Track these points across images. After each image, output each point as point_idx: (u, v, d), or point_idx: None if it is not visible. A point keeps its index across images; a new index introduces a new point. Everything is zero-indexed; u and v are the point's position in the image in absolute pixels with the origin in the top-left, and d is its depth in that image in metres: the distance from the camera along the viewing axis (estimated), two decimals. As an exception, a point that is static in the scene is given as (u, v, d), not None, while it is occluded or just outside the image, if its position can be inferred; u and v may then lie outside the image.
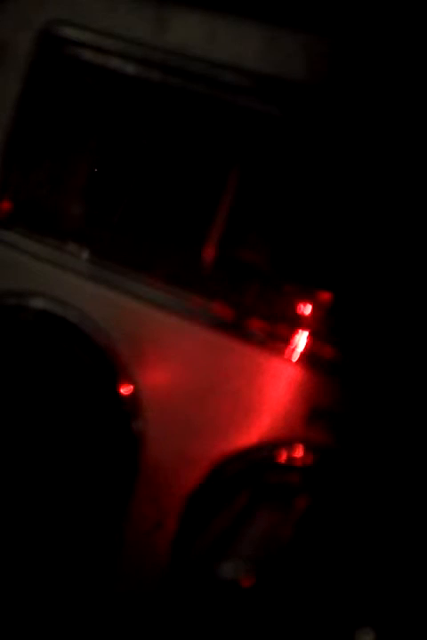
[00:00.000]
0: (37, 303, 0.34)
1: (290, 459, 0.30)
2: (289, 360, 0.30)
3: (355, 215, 0.31)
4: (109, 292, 0.33)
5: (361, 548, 0.27)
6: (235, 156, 0.33)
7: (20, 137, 0.35)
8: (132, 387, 0.32)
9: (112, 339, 0.33)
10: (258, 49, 0.31)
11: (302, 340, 0.31)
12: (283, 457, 0.30)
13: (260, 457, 0.30)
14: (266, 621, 0.24)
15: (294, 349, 0.30)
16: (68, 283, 0.34)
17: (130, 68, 0.34)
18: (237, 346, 0.31)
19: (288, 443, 0.30)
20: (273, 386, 0.30)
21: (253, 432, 0.30)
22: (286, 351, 0.30)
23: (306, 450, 0.30)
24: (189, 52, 0.32)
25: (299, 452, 0.30)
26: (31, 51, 0.35)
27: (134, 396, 0.32)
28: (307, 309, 0.31)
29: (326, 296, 0.31)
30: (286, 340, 0.31)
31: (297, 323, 0.31)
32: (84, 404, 0.32)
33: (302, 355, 0.30)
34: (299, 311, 0.32)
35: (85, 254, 0.34)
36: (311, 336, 0.31)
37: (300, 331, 0.31)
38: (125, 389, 0.32)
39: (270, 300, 0.32)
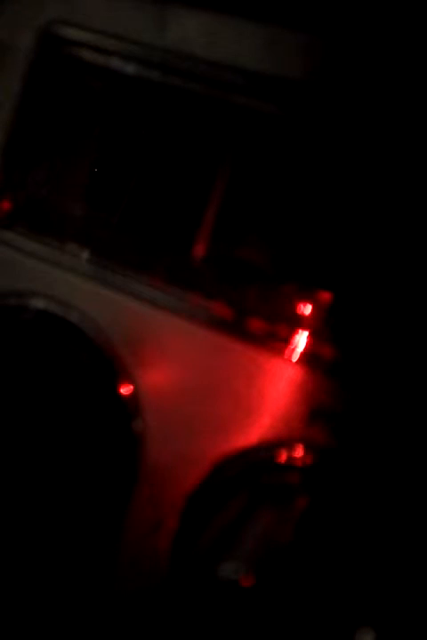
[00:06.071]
0: (37, 303, 0.34)
1: (290, 459, 0.30)
2: (289, 360, 0.30)
3: (354, 214, 0.31)
4: (109, 292, 0.33)
5: (361, 547, 0.27)
6: (235, 155, 0.33)
7: (20, 137, 0.35)
8: (132, 387, 0.32)
9: (112, 339, 0.33)
10: (258, 49, 0.31)
11: (302, 340, 0.31)
12: (283, 457, 0.30)
13: (260, 457, 0.30)
14: (266, 621, 0.24)
15: (294, 349, 0.30)
16: (68, 283, 0.34)
17: (130, 68, 0.34)
18: (237, 346, 0.31)
19: (288, 443, 0.30)
20: (273, 386, 0.30)
21: (253, 432, 0.30)
22: (286, 351, 0.30)
23: (306, 450, 0.30)
24: (188, 52, 0.32)
25: (299, 451, 0.30)
26: (31, 51, 0.35)
27: (134, 396, 0.32)
28: (307, 309, 0.31)
29: (326, 296, 0.31)
30: (286, 340, 0.31)
31: (297, 323, 0.31)
32: (84, 404, 0.32)
33: (302, 355, 0.30)
34: (299, 311, 0.32)
35: (85, 254, 0.34)
36: (311, 336, 0.31)
37: (300, 331, 0.31)
38: (125, 389, 0.32)
39: (270, 300, 0.32)
